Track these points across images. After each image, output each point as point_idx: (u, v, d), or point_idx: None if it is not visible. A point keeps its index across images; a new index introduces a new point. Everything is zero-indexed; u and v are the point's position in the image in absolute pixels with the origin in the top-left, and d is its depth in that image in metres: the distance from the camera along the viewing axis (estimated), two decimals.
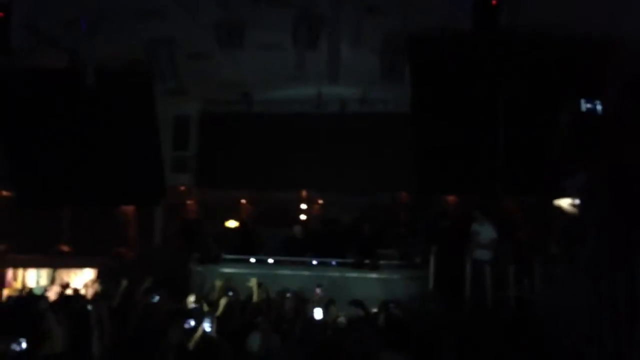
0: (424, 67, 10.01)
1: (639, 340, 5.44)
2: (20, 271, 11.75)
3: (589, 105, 7.00)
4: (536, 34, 9.16)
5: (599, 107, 6.78)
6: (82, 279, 12.03)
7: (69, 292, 9.37)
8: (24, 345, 4.88)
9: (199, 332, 5.75)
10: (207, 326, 5.83)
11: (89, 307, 6.56)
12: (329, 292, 8.63)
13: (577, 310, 6.53)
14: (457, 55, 9.62)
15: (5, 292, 10.76)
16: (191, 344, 5.65)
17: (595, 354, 5.97)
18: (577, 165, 7.03)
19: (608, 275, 6.01)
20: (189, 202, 13.59)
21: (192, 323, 6.09)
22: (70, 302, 7.93)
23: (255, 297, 8.27)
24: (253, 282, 8.43)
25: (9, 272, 11.57)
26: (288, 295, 8.05)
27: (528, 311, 7.73)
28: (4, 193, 12.09)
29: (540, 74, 9.23)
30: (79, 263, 12.51)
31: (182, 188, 13.68)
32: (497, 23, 8.40)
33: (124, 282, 7.91)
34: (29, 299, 8.51)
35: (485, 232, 9.63)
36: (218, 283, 8.84)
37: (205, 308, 7.55)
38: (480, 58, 9.38)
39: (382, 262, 10.53)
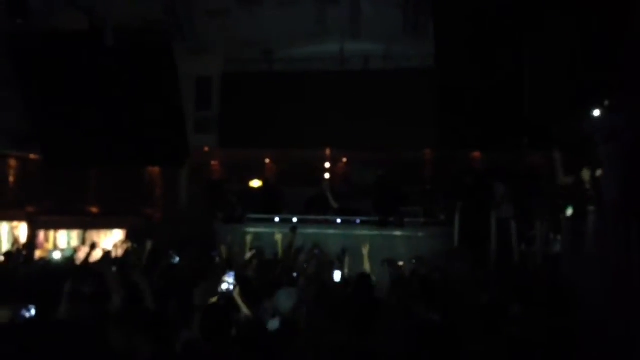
0: (447, 21, 9.77)
1: None
2: (51, 232, 12.00)
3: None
4: None
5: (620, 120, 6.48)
6: (111, 240, 12.25)
7: (98, 252, 9.54)
8: (33, 312, 4.83)
9: (220, 290, 5.76)
10: (229, 283, 5.83)
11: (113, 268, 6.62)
12: (353, 250, 8.63)
13: (605, 264, 6.44)
14: (480, 7, 9.35)
15: (38, 254, 11.00)
16: (213, 302, 5.65)
17: (624, 307, 5.91)
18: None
19: (636, 225, 5.89)
20: (212, 162, 13.64)
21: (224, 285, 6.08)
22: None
23: (280, 253, 8.32)
24: (278, 238, 8.47)
25: (41, 234, 11.83)
26: (316, 252, 8.09)
27: (555, 266, 7.66)
28: (32, 156, 12.26)
29: (565, 25, 8.93)
30: (107, 224, 12.73)
31: (206, 149, 13.71)
32: None
33: (149, 243, 8.00)
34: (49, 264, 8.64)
35: (499, 187, 9.52)
36: (248, 239, 8.87)
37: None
38: (504, 9, 9.11)
39: (406, 219, 10.49)
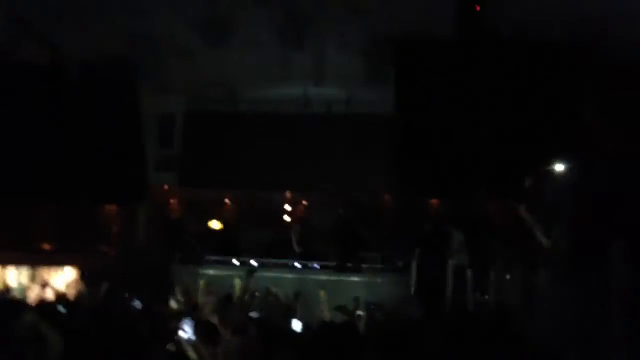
0: (408, 69, 10.04)
1: (619, 339, 5.49)
2: None
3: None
4: (519, 38, 9.22)
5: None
6: (63, 278, 11.92)
7: (48, 292, 9.29)
8: None
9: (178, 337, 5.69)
10: (186, 330, 5.77)
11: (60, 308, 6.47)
12: (310, 294, 8.62)
13: (556, 313, 6.58)
14: (441, 58, 9.65)
15: None
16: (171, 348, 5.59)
17: (575, 355, 6.03)
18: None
19: (584, 275, 6.06)
20: (172, 201, 13.50)
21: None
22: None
23: (236, 297, 8.24)
24: (237, 284, 8.41)
25: None
26: (270, 297, 8.04)
27: (508, 315, 7.78)
28: None
29: (522, 78, 9.28)
30: (60, 261, 12.39)
31: (166, 187, 13.57)
32: (481, 28, 8.45)
33: (105, 285, 7.84)
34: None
35: (457, 235, 9.69)
36: (201, 284, 8.80)
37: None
38: (464, 62, 9.42)
39: (364, 265, 10.56)
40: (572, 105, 8.75)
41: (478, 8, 8.24)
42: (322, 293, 7.83)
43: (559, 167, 6.92)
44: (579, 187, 6.56)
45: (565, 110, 8.96)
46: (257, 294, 8.32)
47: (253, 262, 10.50)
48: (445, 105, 9.53)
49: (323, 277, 10.03)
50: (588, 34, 8.69)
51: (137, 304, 7.56)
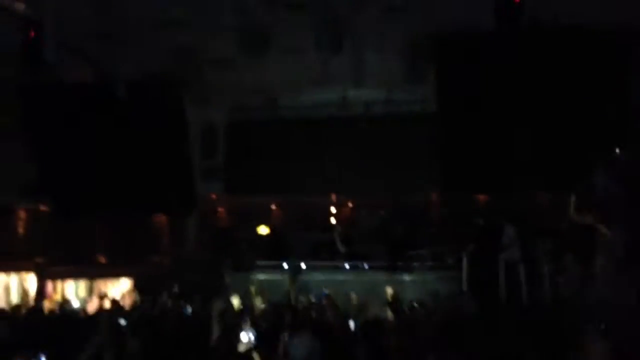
0: (448, 67, 9.93)
1: None
2: (59, 283, 12.02)
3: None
4: (560, 29, 9.05)
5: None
6: (118, 289, 12.26)
7: (106, 303, 9.56)
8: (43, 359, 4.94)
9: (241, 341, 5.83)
10: (247, 333, 5.91)
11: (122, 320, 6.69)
12: (363, 295, 8.68)
13: (614, 308, 6.46)
14: (481, 53, 9.55)
15: (46, 304, 11.00)
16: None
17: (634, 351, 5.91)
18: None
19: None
20: (219, 209, 13.73)
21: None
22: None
23: (292, 299, 8.39)
24: (287, 286, 8.55)
25: (49, 284, 11.84)
26: (325, 302, 8.15)
27: (563, 310, 7.67)
28: (41, 208, 12.36)
29: (566, 69, 9.12)
30: (115, 273, 12.74)
31: (213, 196, 13.80)
32: (521, 20, 8.33)
33: (165, 294, 8.03)
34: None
35: (508, 230, 9.58)
36: (253, 289, 8.97)
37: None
38: (505, 55, 9.30)
39: (414, 263, 10.56)
40: (621, 94, 8.54)
41: (517, 0, 8.13)
42: (389, 290, 7.91)
43: (612, 159, 6.80)
44: (633, 179, 6.44)
45: (614, 99, 8.75)
46: (311, 296, 8.44)
47: (302, 265, 10.60)
48: (489, 98, 9.42)
49: (374, 277, 10.07)
50: (635, 19, 8.49)
51: (189, 310, 7.75)
